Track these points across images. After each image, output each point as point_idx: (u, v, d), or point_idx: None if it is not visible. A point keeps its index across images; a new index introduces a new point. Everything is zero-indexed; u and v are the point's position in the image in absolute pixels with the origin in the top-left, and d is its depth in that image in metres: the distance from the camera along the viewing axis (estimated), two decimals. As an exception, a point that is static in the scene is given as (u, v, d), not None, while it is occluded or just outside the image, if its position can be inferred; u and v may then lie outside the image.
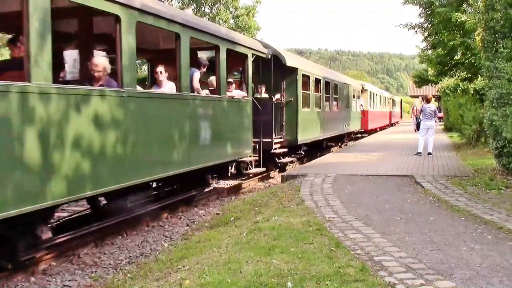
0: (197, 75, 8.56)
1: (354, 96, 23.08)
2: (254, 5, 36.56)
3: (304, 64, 15.51)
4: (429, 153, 13.76)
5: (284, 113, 13.08)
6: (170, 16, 7.21)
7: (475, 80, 20.67)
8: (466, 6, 16.04)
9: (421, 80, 34.00)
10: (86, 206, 7.96)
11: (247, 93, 10.54)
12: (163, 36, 8.42)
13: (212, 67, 9.49)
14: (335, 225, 5.88)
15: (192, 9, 33.99)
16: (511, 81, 8.29)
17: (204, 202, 9.63)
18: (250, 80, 10.65)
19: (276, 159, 12.82)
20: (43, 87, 4.89)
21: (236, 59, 10.20)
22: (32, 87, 4.77)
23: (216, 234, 6.15)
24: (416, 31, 18.32)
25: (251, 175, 11.75)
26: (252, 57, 10.59)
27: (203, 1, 35.39)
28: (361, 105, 25.96)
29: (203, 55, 9.96)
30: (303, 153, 14.91)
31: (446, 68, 20.43)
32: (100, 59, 6.55)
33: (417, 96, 51.22)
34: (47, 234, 5.50)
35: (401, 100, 57.51)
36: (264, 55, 11.36)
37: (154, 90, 7.84)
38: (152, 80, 8.95)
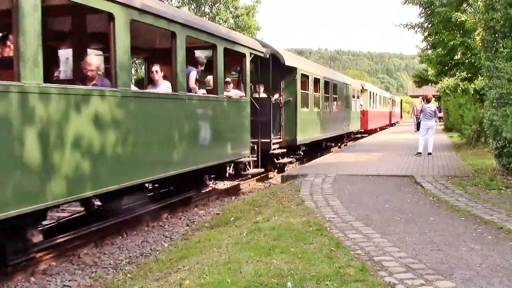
0: (193, 74, 8.46)
1: (353, 96, 23.07)
2: (254, 4, 36.56)
3: (303, 63, 15.46)
4: (429, 153, 13.75)
5: (283, 113, 13.01)
6: (165, 14, 7.09)
7: (475, 80, 20.67)
8: (466, 6, 16.03)
9: (421, 80, 34.04)
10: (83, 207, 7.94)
11: (245, 93, 10.43)
12: (159, 34, 8.31)
13: (209, 66, 9.39)
14: (335, 225, 5.87)
15: (192, 9, 34.02)
16: (511, 81, 8.28)
17: (204, 202, 9.62)
18: (248, 80, 10.56)
19: (275, 159, 12.73)
20: (32, 86, 4.76)
21: (234, 58, 10.10)
22: (21, 86, 4.65)
23: (216, 234, 6.15)
24: (416, 31, 18.32)
25: (249, 176, 11.68)
26: (250, 56, 10.48)
27: (203, 1, 35.38)
28: (361, 105, 25.96)
29: (201, 54, 9.86)
30: (302, 153, 14.85)
31: (446, 68, 20.44)
32: (93, 58, 6.43)
33: (417, 96, 51.20)
34: (37, 238, 5.34)
35: (401, 100, 57.53)
36: (262, 54, 11.26)
37: (149, 90, 7.75)
38: (149, 80, 8.87)
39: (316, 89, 15.74)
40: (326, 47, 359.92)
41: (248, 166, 11.14)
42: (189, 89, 8.18)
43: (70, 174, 5.30)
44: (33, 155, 4.80)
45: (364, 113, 26.52)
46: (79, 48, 7.45)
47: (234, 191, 10.80)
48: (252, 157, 10.82)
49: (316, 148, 16.70)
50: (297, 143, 13.54)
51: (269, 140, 11.90)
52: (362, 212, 6.67)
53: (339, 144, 20.58)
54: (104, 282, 5.28)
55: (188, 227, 7.78)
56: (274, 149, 12.34)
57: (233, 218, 7.27)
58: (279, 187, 9.57)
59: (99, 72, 6.28)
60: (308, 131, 14.54)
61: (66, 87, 5.44)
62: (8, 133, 4.55)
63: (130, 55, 6.44)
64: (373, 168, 10.99)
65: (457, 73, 20.46)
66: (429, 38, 19.08)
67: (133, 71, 21.29)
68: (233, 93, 10.22)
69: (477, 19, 11.13)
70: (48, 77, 5.89)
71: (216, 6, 36.19)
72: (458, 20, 15.04)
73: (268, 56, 11.66)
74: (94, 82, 6.11)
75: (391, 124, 41.47)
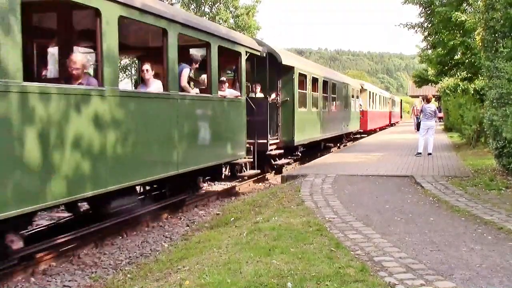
0: (186, 72, 8.18)
1: (353, 96, 23.01)
2: (254, 4, 36.52)
3: (300, 62, 15.30)
4: (429, 154, 13.74)
5: (280, 113, 12.85)
6: (156, 11, 6.83)
7: (475, 80, 20.67)
8: (466, 6, 16.04)
9: (421, 80, 34.02)
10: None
11: (241, 92, 10.21)
12: (149, 32, 8.06)
13: (204, 65, 9.12)
14: (335, 226, 5.87)
15: (192, 9, 33.98)
16: (511, 81, 8.28)
17: (204, 202, 9.62)
18: (244, 79, 10.34)
19: (272, 160, 12.57)
20: (9, 85, 4.55)
21: (229, 56, 9.85)
22: None
23: (216, 235, 6.15)
24: (416, 30, 18.33)
25: (245, 178, 11.51)
26: (246, 54, 10.25)
27: (203, 1, 35.36)
28: (360, 105, 25.92)
29: (196, 53, 9.57)
30: (300, 154, 14.72)
31: (446, 68, 20.45)
32: (79, 56, 6.20)
33: (417, 96, 51.22)
34: (17, 244, 5.12)
35: (401, 100, 57.52)
36: (258, 53, 11.02)
37: (139, 89, 7.55)
38: (140, 79, 8.54)
39: (314, 88, 15.61)
40: (326, 47, 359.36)
41: (244, 168, 11.00)
42: (181, 88, 7.90)
43: (53, 177, 5.08)
44: (13, 155, 4.60)
45: (363, 113, 26.47)
46: (65, 46, 7.17)
47: (234, 192, 10.78)
48: (248, 158, 10.61)
49: (315, 149, 16.56)
50: (295, 144, 13.37)
51: (266, 141, 11.74)
52: (362, 212, 6.67)
53: (338, 145, 20.54)
54: (104, 283, 5.28)
55: (188, 227, 7.78)
56: (271, 150, 12.19)
57: (233, 218, 7.27)
58: (279, 188, 9.56)
59: (85, 71, 6.08)
60: (306, 132, 14.41)
61: (47, 86, 5.21)
62: None
63: (118, 53, 6.23)
64: (373, 168, 10.99)
65: (457, 73, 20.48)
66: (429, 38, 19.08)
67: (133, 71, 21.26)
68: (228, 92, 9.99)
69: (477, 19, 11.14)
70: (38, 76, 5.79)
71: (216, 6, 36.16)
72: (458, 19, 15.04)
73: (264, 55, 11.41)
74: (79, 81, 5.92)
75: (391, 124, 41.46)
